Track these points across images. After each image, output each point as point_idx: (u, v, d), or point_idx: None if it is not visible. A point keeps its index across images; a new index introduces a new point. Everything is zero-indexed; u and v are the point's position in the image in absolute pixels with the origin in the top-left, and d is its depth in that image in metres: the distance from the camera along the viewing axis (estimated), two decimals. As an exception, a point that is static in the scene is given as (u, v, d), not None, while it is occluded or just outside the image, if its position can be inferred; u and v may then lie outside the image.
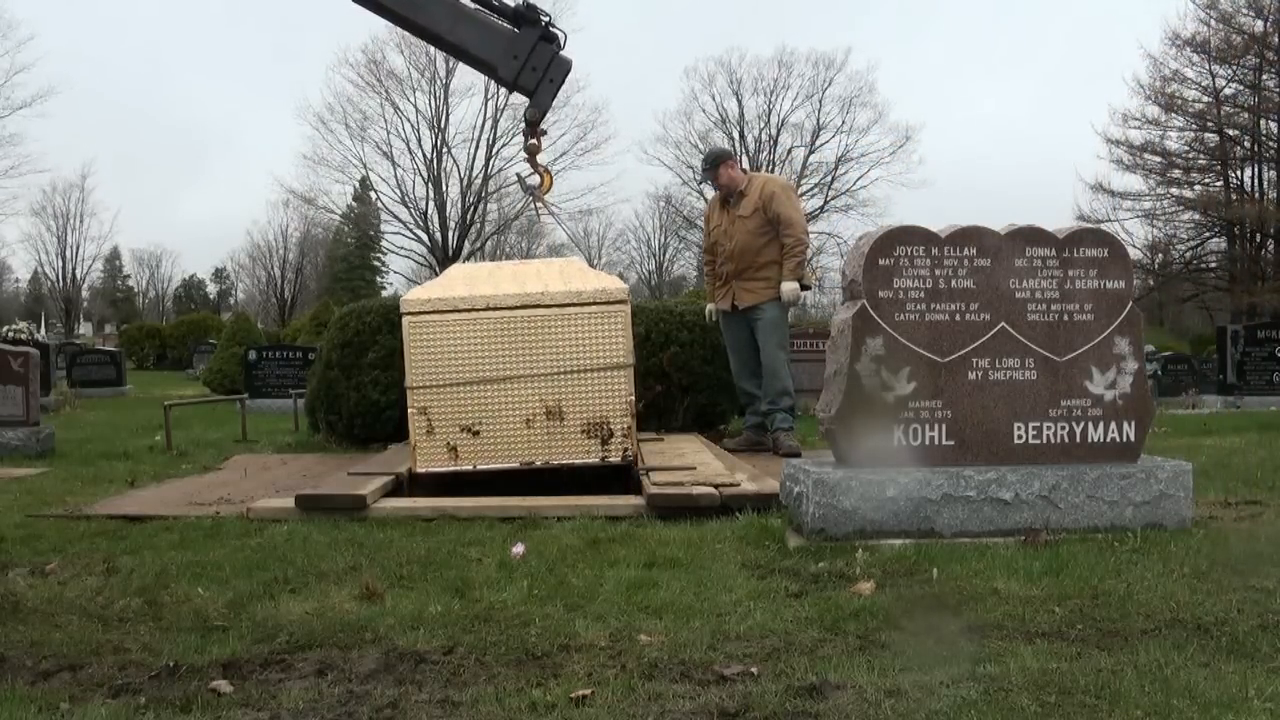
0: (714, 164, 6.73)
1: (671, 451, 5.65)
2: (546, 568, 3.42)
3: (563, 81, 5.94)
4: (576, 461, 5.32)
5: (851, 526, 3.67)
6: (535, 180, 6.32)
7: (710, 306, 6.94)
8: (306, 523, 4.24)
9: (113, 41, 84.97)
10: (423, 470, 5.26)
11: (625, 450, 5.32)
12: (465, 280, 5.66)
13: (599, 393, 5.35)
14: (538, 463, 5.30)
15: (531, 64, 5.81)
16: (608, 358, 5.36)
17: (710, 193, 7.36)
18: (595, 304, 5.42)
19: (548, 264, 5.93)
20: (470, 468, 5.29)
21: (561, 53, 5.90)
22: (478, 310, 5.37)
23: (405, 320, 5.37)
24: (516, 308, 5.37)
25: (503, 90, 35.78)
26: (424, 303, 5.40)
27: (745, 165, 7.09)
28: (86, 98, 73.17)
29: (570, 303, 5.42)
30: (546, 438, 5.31)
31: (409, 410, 5.32)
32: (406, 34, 38.37)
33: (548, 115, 6.21)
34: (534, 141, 6.21)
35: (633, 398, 5.41)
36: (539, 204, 6.46)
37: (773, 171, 42.24)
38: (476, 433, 5.28)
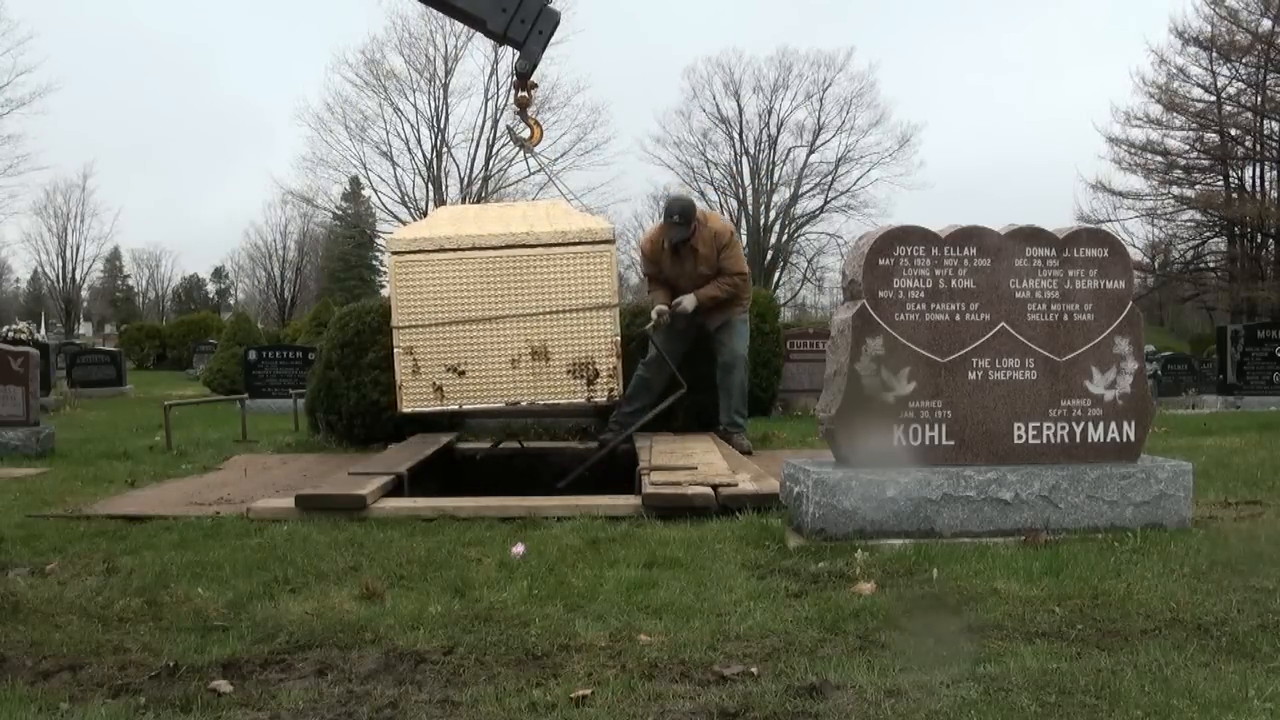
0: (691, 218, 6.36)
1: (681, 451, 5.65)
2: (546, 568, 3.42)
3: (552, 32, 5.92)
4: (562, 401, 5.32)
5: (851, 526, 3.67)
6: (526, 133, 6.34)
7: (660, 306, 6.44)
8: (306, 523, 4.24)
9: (112, 40, 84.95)
10: (409, 410, 5.25)
11: (611, 390, 5.31)
12: (451, 221, 5.67)
13: (585, 333, 5.34)
14: (523, 402, 5.29)
15: (520, 16, 5.79)
16: (593, 297, 5.35)
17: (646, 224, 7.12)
18: (581, 244, 5.41)
19: (534, 205, 5.95)
20: (456, 407, 5.28)
21: (550, 4, 5.89)
22: (464, 250, 5.36)
23: (391, 260, 5.40)
24: (502, 247, 5.36)
25: (502, 90, 35.92)
26: (410, 242, 5.40)
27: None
28: (89, 95, 73.33)
29: (556, 242, 5.42)
30: (532, 378, 5.31)
31: (395, 350, 5.31)
32: (405, 34, 37.69)
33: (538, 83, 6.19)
34: (524, 94, 6.22)
35: (618, 338, 5.39)
36: (529, 156, 6.51)
37: (773, 173, 42.18)
38: (462, 373, 5.29)
